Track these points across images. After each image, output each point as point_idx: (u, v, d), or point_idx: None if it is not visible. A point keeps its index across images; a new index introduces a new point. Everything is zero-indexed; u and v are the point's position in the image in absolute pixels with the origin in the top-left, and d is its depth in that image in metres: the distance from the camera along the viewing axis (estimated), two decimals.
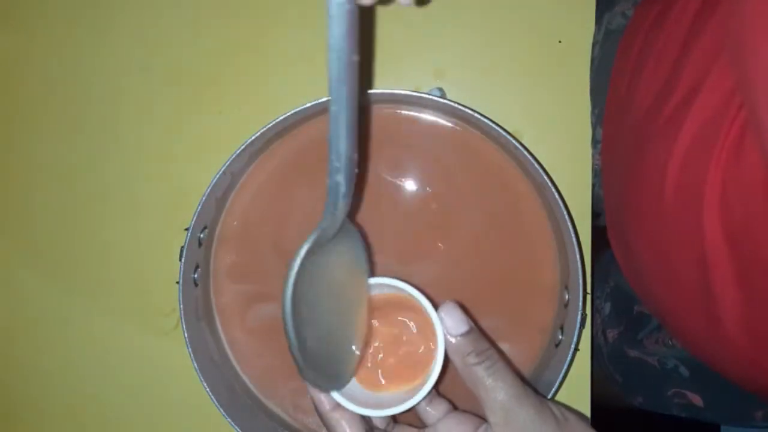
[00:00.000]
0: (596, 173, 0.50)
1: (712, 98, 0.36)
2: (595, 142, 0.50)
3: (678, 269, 0.41)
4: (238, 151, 0.43)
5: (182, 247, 0.44)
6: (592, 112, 0.50)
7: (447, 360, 0.38)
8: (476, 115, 0.42)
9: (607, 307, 0.59)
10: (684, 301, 0.42)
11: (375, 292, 0.39)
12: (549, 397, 0.42)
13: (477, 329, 0.38)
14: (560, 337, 0.44)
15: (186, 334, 0.44)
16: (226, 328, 0.48)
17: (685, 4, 0.42)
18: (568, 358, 0.42)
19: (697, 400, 0.53)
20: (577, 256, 0.41)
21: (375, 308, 0.39)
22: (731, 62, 0.35)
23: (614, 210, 0.49)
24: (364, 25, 0.48)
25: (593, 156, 0.50)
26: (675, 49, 0.41)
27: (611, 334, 0.58)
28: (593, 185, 0.49)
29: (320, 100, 0.42)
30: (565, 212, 0.41)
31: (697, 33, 0.39)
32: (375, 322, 0.40)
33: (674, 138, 0.38)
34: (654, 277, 0.45)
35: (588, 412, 0.48)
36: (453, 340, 0.37)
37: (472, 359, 0.36)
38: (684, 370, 0.52)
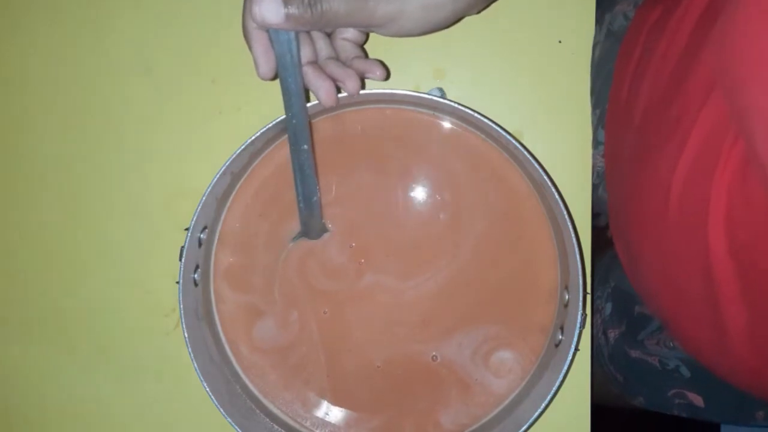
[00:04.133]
0: (599, 174, 0.50)
1: (714, 115, 0.35)
2: (596, 143, 0.50)
3: (682, 279, 0.40)
4: (238, 151, 0.43)
5: (182, 247, 0.44)
6: (593, 113, 0.50)
7: None
8: (476, 115, 0.42)
9: (608, 307, 0.59)
10: (688, 310, 0.42)
11: None
12: (549, 397, 0.42)
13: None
14: (560, 337, 0.44)
15: (186, 334, 0.44)
16: (226, 328, 0.48)
17: (686, 8, 0.41)
18: (569, 358, 0.42)
19: (698, 400, 0.53)
20: (577, 256, 0.41)
21: None
22: (724, 93, 0.34)
23: (617, 213, 0.48)
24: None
25: (595, 157, 0.50)
26: (676, 57, 0.40)
27: (612, 334, 0.58)
28: (597, 186, 0.49)
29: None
30: (565, 212, 0.41)
31: (699, 44, 0.38)
32: None
33: (678, 152, 0.37)
34: (657, 284, 0.44)
35: (588, 412, 0.48)
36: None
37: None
38: (685, 371, 0.52)
